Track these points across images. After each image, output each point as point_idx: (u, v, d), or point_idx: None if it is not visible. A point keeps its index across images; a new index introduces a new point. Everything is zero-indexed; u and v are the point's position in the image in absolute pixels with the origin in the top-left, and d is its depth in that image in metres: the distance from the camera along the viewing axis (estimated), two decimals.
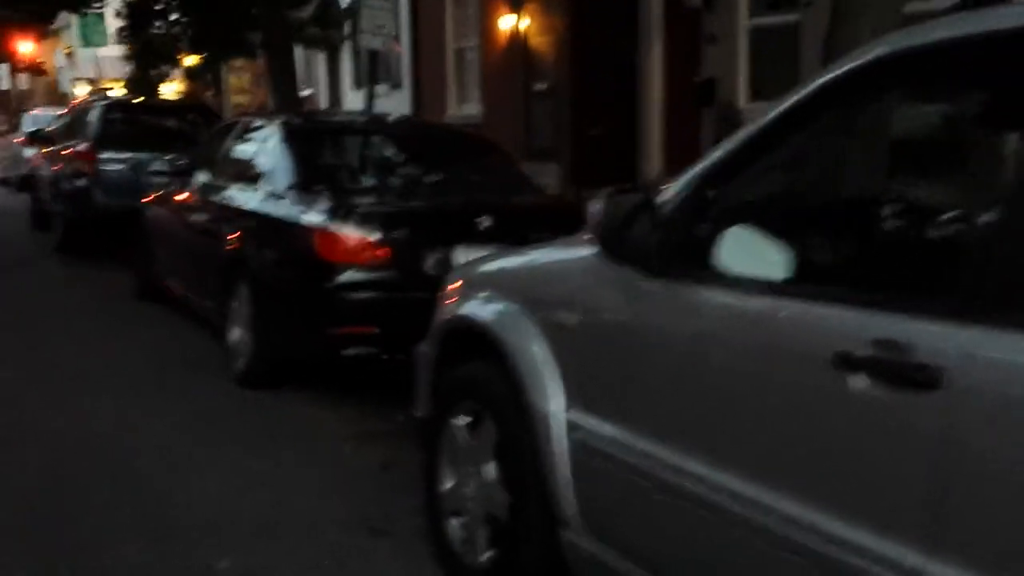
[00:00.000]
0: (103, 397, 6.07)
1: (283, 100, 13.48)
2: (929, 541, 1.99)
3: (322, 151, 7.01)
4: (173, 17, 17.19)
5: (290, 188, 6.29)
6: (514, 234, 5.77)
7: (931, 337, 2.02)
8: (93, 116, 11.98)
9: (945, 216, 2.53)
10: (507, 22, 15.34)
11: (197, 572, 3.79)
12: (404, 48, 18.18)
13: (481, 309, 3.62)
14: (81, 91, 35.34)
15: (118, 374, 6.67)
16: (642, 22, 12.72)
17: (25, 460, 4.97)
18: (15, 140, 21.14)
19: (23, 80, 43.44)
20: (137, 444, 5.22)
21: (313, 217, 5.80)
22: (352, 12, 13.42)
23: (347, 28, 19.01)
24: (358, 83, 21.19)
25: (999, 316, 1.94)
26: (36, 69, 42.75)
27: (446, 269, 5.68)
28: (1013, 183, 2.09)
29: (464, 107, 17.33)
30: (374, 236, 5.64)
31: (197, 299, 7.59)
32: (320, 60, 22.81)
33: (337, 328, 5.66)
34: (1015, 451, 1.86)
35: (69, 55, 36.90)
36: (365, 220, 5.69)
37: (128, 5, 17.23)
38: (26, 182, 16.76)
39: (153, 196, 8.98)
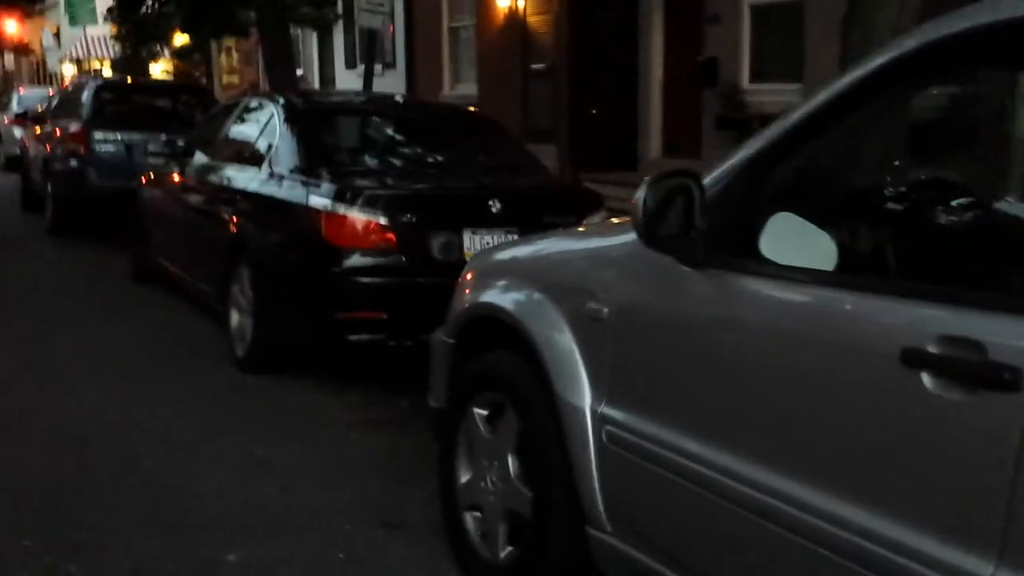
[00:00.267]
0: (102, 385, 5.93)
1: (278, 80, 13.31)
2: (1001, 549, 1.88)
3: (326, 131, 6.85)
4: None
5: (294, 169, 6.13)
6: (526, 218, 5.67)
7: (1011, 335, 1.90)
8: (86, 96, 11.80)
9: None
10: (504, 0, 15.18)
11: (205, 566, 3.69)
12: (398, 27, 18.01)
13: (503, 297, 3.49)
14: (68, 71, 35.01)
15: (117, 360, 6.53)
16: (643, 0, 12.59)
17: (25, 451, 4.83)
18: (4, 120, 20.88)
19: (8, 60, 43.10)
20: (140, 433, 5.10)
21: (319, 200, 5.65)
22: None
23: (340, 7, 18.86)
24: (350, 63, 21.03)
25: None
26: (22, 49, 42.42)
27: (455, 253, 5.58)
28: None
29: (459, 87, 17.19)
30: (382, 219, 5.51)
31: (195, 282, 7.45)
32: (311, 40, 22.62)
33: (343, 314, 5.53)
34: None
35: (56, 35, 36.51)
36: (373, 203, 5.55)
37: None
38: (15, 162, 16.56)
39: (148, 177, 8.82)
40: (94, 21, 28.27)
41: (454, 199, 6.01)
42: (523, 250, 3.81)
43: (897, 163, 2.87)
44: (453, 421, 3.68)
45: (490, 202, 5.73)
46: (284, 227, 6.08)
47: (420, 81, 18.05)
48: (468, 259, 5.33)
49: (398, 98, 8.80)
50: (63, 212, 11.71)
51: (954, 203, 2.53)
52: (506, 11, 15.24)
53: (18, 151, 16.07)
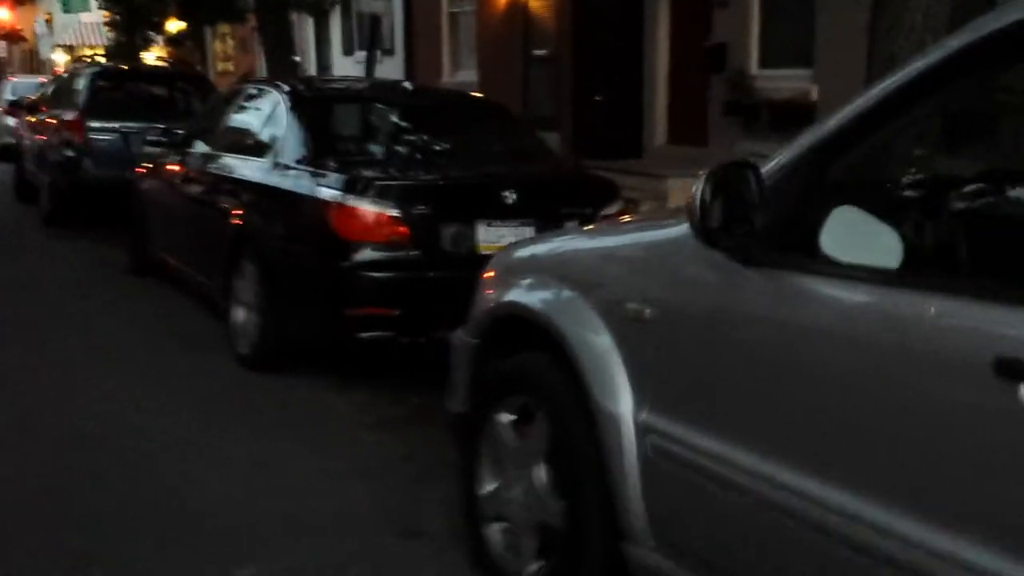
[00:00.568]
0: (103, 382, 5.74)
1: (277, 67, 13.10)
2: None
3: (333, 120, 6.65)
4: None
5: (300, 159, 5.92)
6: (542, 209, 5.48)
7: None
8: (81, 84, 11.57)
9: None
10: None
11: None
12: (397, 12, 17.78)
13: (530, 296, 3.30)
14: (60, 58, 34.72)
15: (117, 356, 6.34)
16: None
17: (26, 454, 4.64)
18: None
19: (0, 48, 42.76)
20: (144, 434, 4.90)
21: (327, 191, 5.45)
22: None
23: None
24: (347, 49, 20.79)
25: None
26: (15, 36, 42.11)
27: (468, 247, 5.39)
28: None
29: (459, 74, 16.97)
30: (394, 211, 5.31)
31: (195, 275, 7.25)
32: (308, 26, 22.36)
33: (354, 310, 5.34)
34: None
35: (48, 22, 36.22)
36: (384, 194, 5.35)
37: None
38: (8, 152, 16.33)
39: (146, 166, 8.59)
40: (87, 7, 28.01)
41: (467, 189, 5.82)
42: (548, 246, 3.62)
43: (996, 150, 2.66)
44: (475, 427, 3.49)
45: (505, 193, 5.53)
46: (290, 220, 5.88)
47: (419, 67, 17.80)
48: (481, 252, 5.17)
49: (406, 84, 8.57)
50: (59, 202, 11.49)
51: None
52: None
53: (12, 140, 15.84)
